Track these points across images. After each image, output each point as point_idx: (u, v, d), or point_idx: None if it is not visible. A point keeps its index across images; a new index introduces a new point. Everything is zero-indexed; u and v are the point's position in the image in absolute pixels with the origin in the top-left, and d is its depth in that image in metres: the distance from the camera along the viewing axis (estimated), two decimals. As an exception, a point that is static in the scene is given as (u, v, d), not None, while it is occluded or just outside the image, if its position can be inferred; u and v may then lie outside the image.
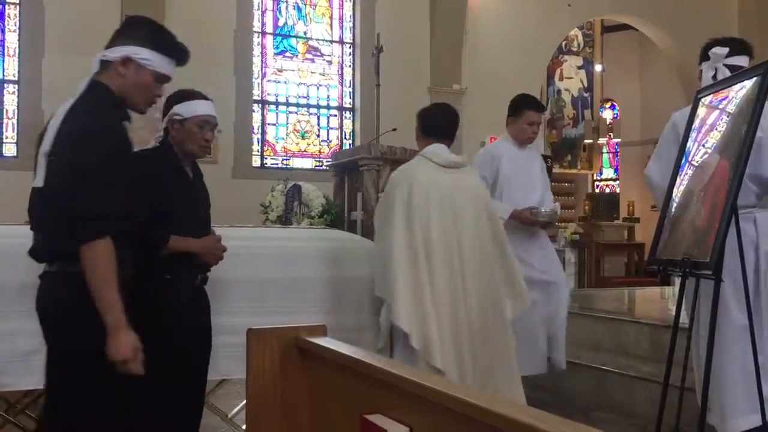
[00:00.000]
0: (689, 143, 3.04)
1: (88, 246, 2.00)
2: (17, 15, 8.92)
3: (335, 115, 10.72)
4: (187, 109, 2.67)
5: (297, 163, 10.35)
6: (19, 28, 8.90)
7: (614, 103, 15.51)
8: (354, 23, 10.78)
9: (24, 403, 3.46)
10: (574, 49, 14.69)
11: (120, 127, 2.19)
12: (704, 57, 3.19)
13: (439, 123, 3.49)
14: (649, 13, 12.33)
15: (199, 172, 2.85)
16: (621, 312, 5.73)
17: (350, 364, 1.64)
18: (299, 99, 10.47)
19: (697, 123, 3.05)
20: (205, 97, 2.75)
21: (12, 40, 8.90)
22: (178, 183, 2.68)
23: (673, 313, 2.98)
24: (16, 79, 8.85)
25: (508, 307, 3.33)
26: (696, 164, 2.93)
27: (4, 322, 2.69)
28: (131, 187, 2.17)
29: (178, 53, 2.34)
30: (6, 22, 8.93)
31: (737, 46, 3.09)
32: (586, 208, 13.27)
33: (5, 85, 8.87)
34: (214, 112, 2.73)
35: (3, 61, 8.87)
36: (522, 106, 4.69)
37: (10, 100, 8.84)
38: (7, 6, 8.94)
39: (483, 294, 3.23)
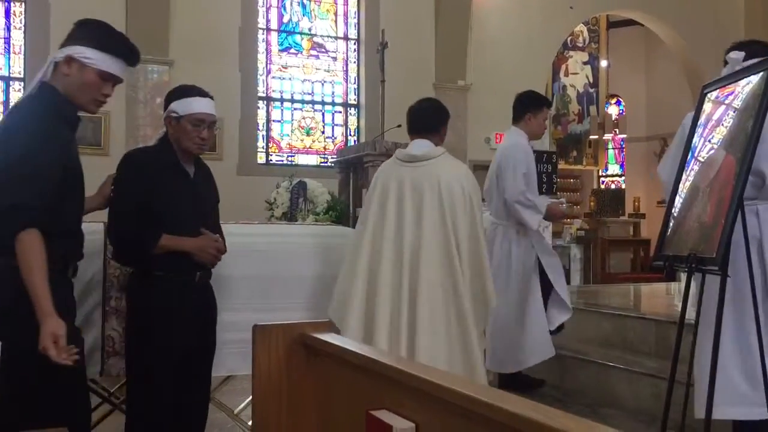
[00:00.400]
0: (695, 139, 3.02)
1: (15, 238, 2.05)
2: (23, 12, 8.95)
3: (340, 112, 10.72)
4: (182, 107, 2.63)
5: (302, 159, 10.36)
6: (25, 26, 8.93)
7: (620, 98, 15.47)
8: (358, 19, 10.77)
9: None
10: (580, 45, 14.65)
11: (54, 126, 2.18)
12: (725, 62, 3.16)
13: (412, 119, 3.50)
14: (655, 8, 12.29)
15: (205, 171, 2.80)
16: (627, 308, 5.72)
17: (355, 360, 1.64)
18: (304, 95, 10.47)
19: (703, 118, 3.03)
20: (203, 94, 2.70)
21: (18, 37, 8.93)
22: (173, 181, 2.64)
23: (679, 309, 2.97)
24: (21, 76, 8.88)
25: (472, 304, 3.15)
26: (702, 160, 2.92)
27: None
28: (66, 185, 2.18)
29: (125, 53, 2.33)
30: (12, 20, 8.95)
31: (754, 49, 3.05)
32: (592, 204, 13.23)
33: (11, 82, 8.89)
34: (211, 109, 2.68)
35: (9, 58, 8.90)
36: (543, 101, 4.83)
37: (16, 98, 8.86)
38: (12, 3, 8.96)
39: (433, 288, 3.11)
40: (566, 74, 14.51)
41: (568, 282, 9.04)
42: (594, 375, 4.65)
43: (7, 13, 8.94)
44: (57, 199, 2.14)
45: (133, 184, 2.58)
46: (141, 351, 2.58)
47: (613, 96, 15.30)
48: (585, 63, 14.69)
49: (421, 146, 3.38)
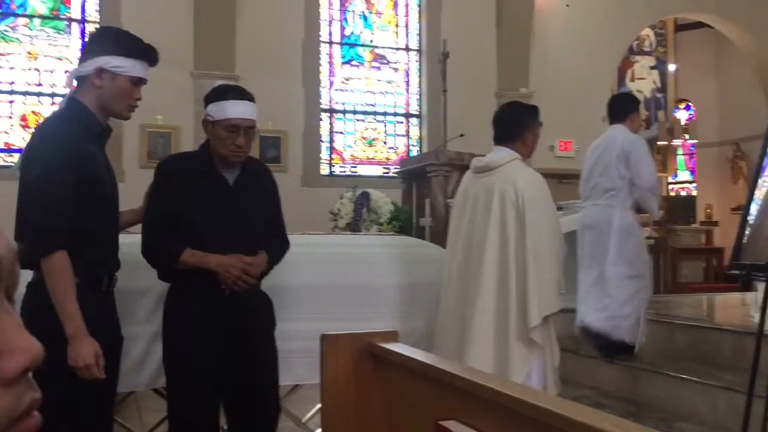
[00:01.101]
0: (772, 143, 2.91)
1: (42, 260, 2.10)
2: (97, 33, 9.31)
3: (402, 122, 10.76)
4: (217, 111, 2.44)
5: (365, 170, 10.42)
6: (99, 46, 9.28)
7: (689, 103, 15.04)
8: (420, 30, 10.80)
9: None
10: (646, 49, 14.32)
11: (72, 141, 2.19)
12: None
13: (493, 127, 3.43)
14: (726, 10, 11.91)
15: (254, 175, 2.56)
16: (700, 318, 5.54)
17: (423, 370, 1.63)
18: (366, 107, 10.55)
19: (780, 121, 2.92)
20: (241, 96, 2.48)
21: (92, 57, 9.28)
22: (205, 189, 2.45)
23: (756, 320, 2.86)
24: (96, 94, 9.22)
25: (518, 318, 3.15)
26: (780, 164, 2.82)
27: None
28: (90, 197, 2.19)
29: (147, 54, 2.35)
30: (87, 40, 9.32)
31: None
32: (661, 211, 12.88)
33: (86, 100, 9.25)
34: (249, 113, 2.45)
35: (84, 77, 9.26)
36: (637, 102, 5.35)
37: (91, 115, 9.21)
38: (87, 25, 9.34)
39: (486, 300, 3.15)
40: (632, 79, 14.20)
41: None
42: (667, 388, 4.52)
43: (82, 34, 9.32)
44: (80, 213, 2.16)
45: (162, 193, 2.47)
46: (169, 370, 2.53)
47: (682, 101, 14.88)
48: (652, 67, 14.35)
49: (494, 155, 3.35)
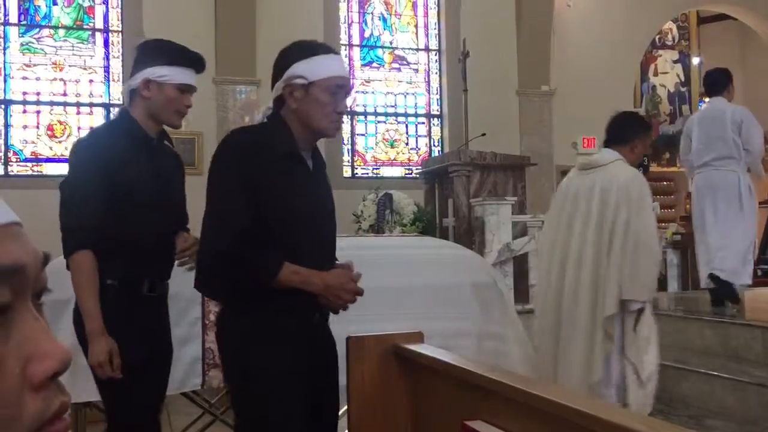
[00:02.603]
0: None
1: (69, 259, 2.18)
2: (120, 42, 9.43)
3: (423, 123, 10.75)
4: (313, 69, 1.94)
5: (387, 172, 10.43)
6: (122, 55, 9.40)
7: (714, 96, 14.83)
8: (439, 30, 10.79)
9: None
10: (669, 43, 14.16)
11: (111, 147, 2.26)
12: None
13: (606, 131, 3.64)
14: (749, 1, 11.75)
15: (322, 162, 2.12)
16: (730, 314, 5.46)
17: (448, 371, 1.63)
18: (387, 108, 10.56)
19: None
20: (332, 50, 2.07)
21: (116, 66, 9.42)
22: (292, 178, 1.92)
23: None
24: (121, 102, 9.34)
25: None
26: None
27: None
28: (126, 202, 2.23)
29: (192, 62, 2.38)
30: (110, 50, 9.45)
31: None
32: (688, 207, 12.72)
33: (111, 109, 9.38)
34: (347, 72, 2.07)
35: (108, 86, 9.39)
36: (730, 75, 5.88)
37: (116, 123, 9.34)
38: (110, 34, 9.46)
39: (576, 298, 3.37)
40: (655, 74, 14.05)
41: (665, 288, 8.72)
42: (697, 385, 4.46)
43: (106, 43, 9.45)
44: (114, 217, 2.20)
45: (239, 181, 1.84)
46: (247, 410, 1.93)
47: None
48: (675, 61, 14.18)
49: (600, 154, 3.54)
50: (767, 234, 2.84)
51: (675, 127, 14.04)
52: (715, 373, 4.36)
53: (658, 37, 13.56)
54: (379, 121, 10.50)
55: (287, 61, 1.98)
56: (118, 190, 2.22)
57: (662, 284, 9.06)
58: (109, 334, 2.15)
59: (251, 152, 1.89)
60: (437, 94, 10.76)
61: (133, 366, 2.15)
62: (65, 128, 9.23)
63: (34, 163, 8.99)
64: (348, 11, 10.42)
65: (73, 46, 9.32)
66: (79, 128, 9.29)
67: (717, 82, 5.63)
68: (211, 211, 1.88)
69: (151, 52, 2.36)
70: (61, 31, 9.31)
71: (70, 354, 0.56)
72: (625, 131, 3.46)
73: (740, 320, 4.97)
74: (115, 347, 2.14)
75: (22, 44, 9.11)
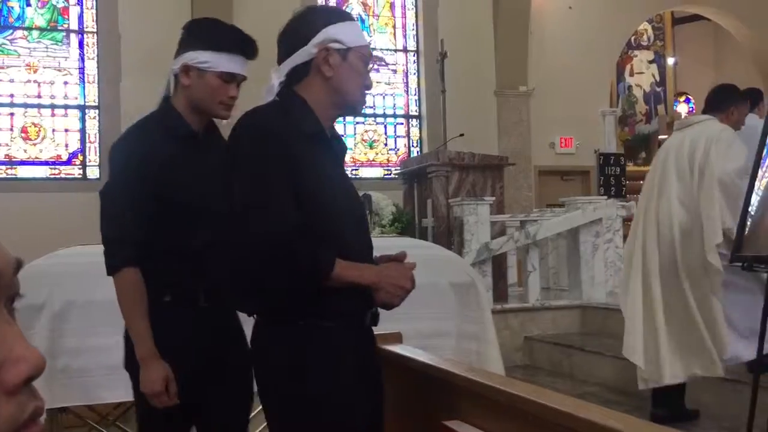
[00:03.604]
0: (771, 134, 2.92)
1: (113, 277, 1.94)
2: (95, 43, 9.34)
3: (402, 124, 10.77)
4: (350, 34, 1.72)
5: (365, 172, 10.44)
6: (98, 56, 9.31)
7: (689, 96, 15.02)
8: (417, 31, 10.82)
9: (115, 415, 3.60)
10: (644, 44, 14.31)
11: (149, 146, 1.97)
12: None
13: (706, 100, 3.92)
14: (723, 2, 11.91)
15: (344, 145, 1.92)
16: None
17: (427, 371, 1.64)
18: (366, 109, 10.56)
19: (779, 113, 2.93)
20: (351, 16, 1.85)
21: (91, 67, 9.32)
22: (325, 164, 1.70)
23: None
24: (96, 104, 9.26)
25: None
26: (780, 155, 2.82)
27: (94, 338, 2.81)
28: (168, 204, 1.94)
29: (241, 47, 2.03)
30: (85, 51, 9.35)
31: None
32: None
33: (87, 110, 9.28)
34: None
35: (84, 87, 9.30)
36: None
37: (92, 125, 9.25)
38: (85, 35, 9.36)
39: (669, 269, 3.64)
40: (631, 74, 14.19)
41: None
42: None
43: (81, 45, 9.35)
44: (159, 224, 1.93)
45: (280, 168, 1.58)
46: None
47: (681, 94, 14.87)
48: (651, 61, 14.34)
49: (696, 116, 3.94)
50: (740, 231, 2.88)
51: (651, 127, 14.19)
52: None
53: (633, 37, 13.70)
54: (357, 122, 10.50)
55: (315, 24, 1.70)
56: (161, 194, 1.93)
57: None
58: (165, 355, 1.89)
59: (286, 135, 1.60)
60: (415, 94, 10.78)
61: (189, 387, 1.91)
62: (40, 130, 9.13)
63: (8, 167, 8.87)
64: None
65: (47, 48, 9.22)
66: (53, 130, 9.19)
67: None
68: (250, 205, 1.56)
69: (194, 33, 2.04)
70: (35, 33, 9.20)
71: (44, 359, 0.55)
72: (723, 100, 3.76)
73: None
74: (170, 373, 1.88)
75: (-5, 45, 9.00)
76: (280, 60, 1.74)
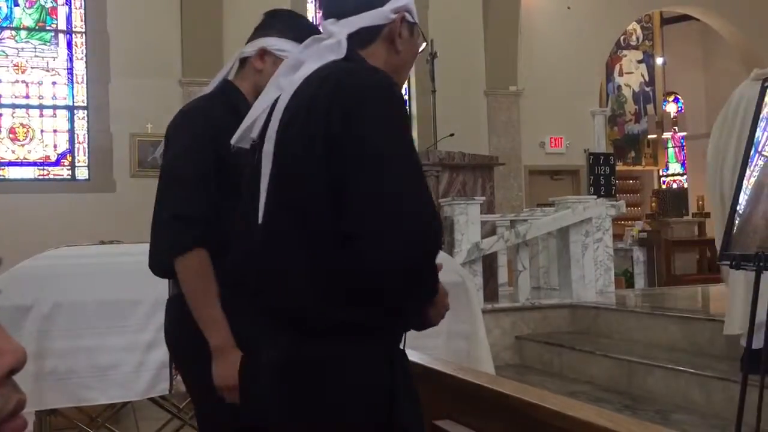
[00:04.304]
0: (758, 133, 2.94)
1: (175, 262, 1.72)
2: (83, 43, 9.30)
3: (392, 124, 10.77)
4: (413, 7, 1.48)
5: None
6: (86, 56, 9.27)
7: (678, 96, 15.10)
8: (407, 31, 10.82)
9: (104, 417, 3.58)
10: (633, 44, 14.38)
11: (218, 117, 1.80)
12: None
13: None
14: (711, 2, 11.98)
15: None
16: (695, 310, 5.57)
17: (418, 371, 1.64)
18: (356, 109, 10.56)
19: (765, 112, 2.94)
20: None
21: (80, 67, 9.28)
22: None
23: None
24: (85, 104, 9.21)
25: None
26: (767, 155, 2.84)
27: (82, 339, 2.80)
28: (235, 188, 1.59)
29: None
30: (73, 51, 9.31)
31: None
32: (653, 204, 12.94)
33: (75, 111, 9.24)
34: None
35: (72, 88, 9.25)
36: None
37: (81, 125, 9.20)
38: (74, 35, 9.32)
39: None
40: (620, 74, 14.26)
41: (632, 285, 8.85)
42: (663, 380, 4.53)
43: (69, 45, 9.30)
44: (224, 203, 1.71)
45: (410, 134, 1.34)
46: None
47: (670, 93, 14.95)
48: (639, 61, 14.41)
49: None
50: (728, 230, 2.90)
51: (640, 126, 14.26)
52: (681, 368, 4.43)
53: (622, 37, 13.77)
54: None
55: None
56: (227, 170, 1.74)
57: (629, 281, 9.20)
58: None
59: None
60: (406, 94, 10.79)
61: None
62: (28, 131, 9.08)
63: (-4, 167, 8.83)
64: (316, 12, 10.40)
65: (35, 48, 9.17)
66: (42, 131, 9.14)
67: None
68: (400, 176, 1.21)
69: (279, 21, 1.98)
70: (23, 33, 9.15)
71: (25, 352, 0.56)
72: None
73: (704, 315, 5.05)
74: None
75: (-18, 46, 8.95)
76: (342, 12, 1.41)
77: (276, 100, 1.38)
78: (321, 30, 1.54)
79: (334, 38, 1.36)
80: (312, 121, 1.25)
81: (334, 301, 1.25)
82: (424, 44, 1.53)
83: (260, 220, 1.32)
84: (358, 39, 1.38)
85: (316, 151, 1.23)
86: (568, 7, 11.29)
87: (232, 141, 1.52)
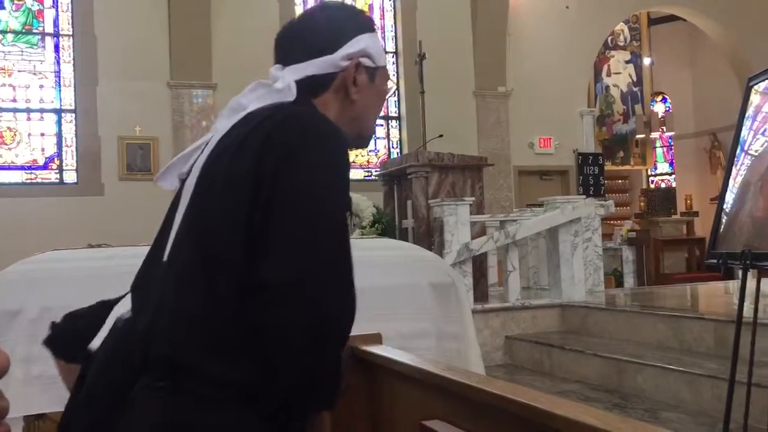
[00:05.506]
0: (743, 132, 2.96)
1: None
2: (71, 46, 9.25)
3: (382, 125, 10.78)
4: (378, 49, 1.37)
5: (346, 174, 10.43)
6: (74, 59, 9.22)
7: (665, 96, 15.18)
8: (396, 32, 10.83)
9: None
10: (621, 44, 14.44)
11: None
12: None
13: None
14: (698, 2, 12.06)
15: None
16: (683, 309, 5.60)
17: (406, 371, 1.64)
18: (345, 111, 10.56)
19: (751, 111, 2.97)
20: None
21: (67, 70, 9.23)
22: None
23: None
24: (72, 108, 9.16)
25: None
26: (754, 154, 2.86)
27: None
28: None
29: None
30: (61, 54, 9.26)
31: None
32: (642, 204, 13.00)
33: (63, 114, 9.19)
34: None
35: (60, 91, 9.20)
36: None
37: (68, 129, 9.16)
38: (60, 38, 9.27)
39: None
40: (608, 74, 14.32)
41: (622, 284, 8.89)
42: (652, 378, 4.56)
43: (56, 48, 9.26)
44: None
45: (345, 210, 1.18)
46: None
47: (658, 93, 15.03)
48: (627, 62, 14.48)
49: None
50: (716, 229, 2.92)
51: (628, 126, 14.33)
52: (670, 367, 4.46)
53: (610, 38, 13.83)
54: (337, 124, 10.49)
55: (346, 29, 1.34)
56: None
57: (619, 281, 9.24)
58: None
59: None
60: (395, 96, 10.79)
61: None
62: (15, 135, 9.02)
63: (-17, 171, 8.77)
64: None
65: (22, 51, 9.12)
66: (29, 135, 9.09)
67: None
68: (317, 254, 1.10)
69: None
70: (10, 36, 9.10)
71: (8, 358, 0.55)
72: None
73: (692, 313, 5.09)
74: None
75: (-32, 49, 8.89)
76: (289, 59, 1.32)
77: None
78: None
79: (281, 83, 1.27)
80: (242, 157, 1.13)
81: (223, 359, 1.07)
82: (393, 87, 1.39)
83: (165, 257, 1.18)
84: (309, 86, 1.28)
85: (240, 190, 1.10)
86: (567, 7, 11.34)
87: (155, 179, 1.35)
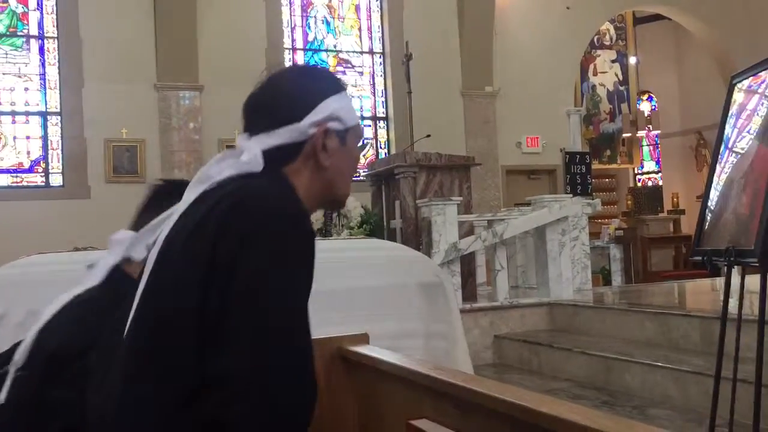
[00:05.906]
0: (727, 129, 2.98)
1: None
2: (56, 48, 9.19)
3: (369, 126, 10.78)
4: (348, 109, 1.43)
5: (334, 175, 10.42)
6: (59, 61, 9.17)
7: (651, 94, 15.27)
8: (383, 33, 10.84)
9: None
10: (607, 43, 14.52)
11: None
12: None
13: None
14: (683, 1, 12.14)
15: None
16: (670, 306, 5.63)
17: (394, 371, 1.64)
18: (333, 112, 10.55)
19: (734, 109, 2.99)
20: None
21: (52, 73, 9.17)
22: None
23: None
24: (58, 110, 9.11)
25: None
26: (739, 151, 2.88)
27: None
28: None
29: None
30: (46, 56, 9.20)
31: None
32: (629, 202, 13.07)
33: (48, 117, 9.13)
34: None
35: (45, 93, 9.14)
36: None
37: (54, 131, 9.10)
38: (46, 41, 9.21)
39: None
40: (595, 73, 14.39)
41: (609, 283, 8.94)
42: (640, 375, 4.58)
43: (42, 50, 9.20)
44: None
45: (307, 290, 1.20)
46: None
47: (644, 92, 15.12)
48: (613, 61, 14.55)
49: None
50: (700, 226, 2.95)
51: (615, 125, 14.40)
52: (658, 364, 4.48)
53: (596, 37, 13.89)
54: (324, 125, 10.48)
55: (312, 94, 1.34)
56: None
57: (607, 279, 9.28)
58: None
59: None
60: (382, 96, 10.80)
61: None
62: (0, 138, 8.96)
63: (-32, 175, 8.70)
64: (290, 15, 10.38)
65: (6, 54, 9.06)
66: (14, 138, 9.03)
67: None
68: (289, 337, 1.10)
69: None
70: (-6, 38, 9.04)
71: None
72: None
73: (679, 311, 5.11)
74: None
75: (-48, 52, 8.82)
76: (255, 128, 1.29)
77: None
78: None
79: (247, 154, 1.23)
80: (198, 240, 1.10)
81: None
82: (367, 144, 1.35)
83: (125, 332, 1.15)
84: (277, 155, 1.25)
85: (195, 273, 1.07)
86: (567, 8, 11.39)
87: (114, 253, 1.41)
